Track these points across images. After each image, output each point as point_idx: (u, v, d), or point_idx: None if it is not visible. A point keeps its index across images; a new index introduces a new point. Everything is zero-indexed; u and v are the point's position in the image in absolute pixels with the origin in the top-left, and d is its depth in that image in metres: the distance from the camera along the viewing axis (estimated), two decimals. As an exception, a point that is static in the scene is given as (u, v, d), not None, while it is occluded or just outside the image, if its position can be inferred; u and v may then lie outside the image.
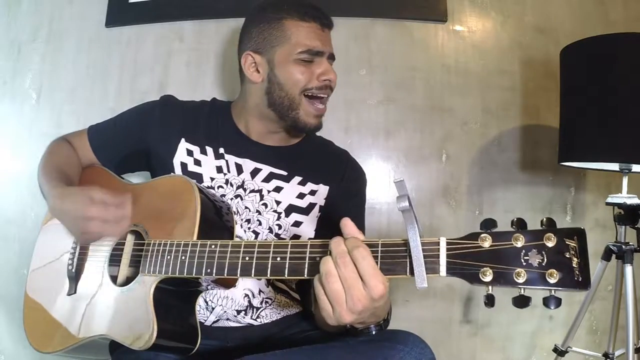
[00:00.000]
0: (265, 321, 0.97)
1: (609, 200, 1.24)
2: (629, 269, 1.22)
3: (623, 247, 1.24)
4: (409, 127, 1.53)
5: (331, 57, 1.00)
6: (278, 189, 0.99)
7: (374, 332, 0.70)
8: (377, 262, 0.60)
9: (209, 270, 0.72)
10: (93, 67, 1.58)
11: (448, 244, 0.58)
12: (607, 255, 1.29)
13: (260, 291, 0.96)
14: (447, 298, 1.53)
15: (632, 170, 1.24)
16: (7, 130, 1.62)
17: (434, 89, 1.54)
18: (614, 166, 1.27)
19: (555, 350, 1.39)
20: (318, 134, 1.11)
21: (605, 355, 1.34)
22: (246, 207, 0.97)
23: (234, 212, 0.93)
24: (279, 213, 0.98)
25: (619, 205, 1.23)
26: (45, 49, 1.61)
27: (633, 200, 1.21)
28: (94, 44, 1.59)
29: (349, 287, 0.59)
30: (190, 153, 1.00)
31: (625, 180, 1.23)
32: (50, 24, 1.61)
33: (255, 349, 0.80)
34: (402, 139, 1.53)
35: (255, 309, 0.96)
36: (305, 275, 0.65)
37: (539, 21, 1.57)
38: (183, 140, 1.01)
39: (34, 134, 1.59)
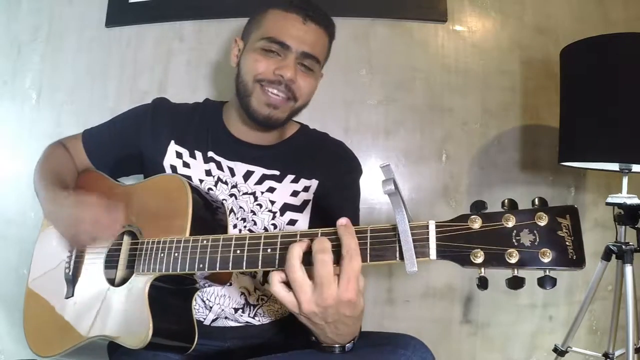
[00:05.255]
0: (264, 321, 0.97)
1: (609, 200, 1.24)
2: (629, 269, 1.22)
3: (623, 247, 1.24)
4: (408, 127, 1.53)
5: (307, 57, 0.92)
6: (271, 190, 0.98)
7: (337, 352, 0.68)
8: (366, 249, 0.60)
9: (201, 265, 0.72)
10: (93, 67, 1.58)
11: (437, 226, 0.58)
12: (607, 255, 1.29)
13: (255, 289, 0.96)
14: (447, 298, 1.53)
15: (632, 170, 1.24)
16: (7, 130, 1.62)
17: (434, 89, 1.54)
18: (614, 166, 1.27)
19: (555, 350, 1.39)
20: (313, 127, 1.11)
21: (605, 355, 1.33)
22: (240, 207, 0.97)
23: (230, 211, 0.92)
24: (274, 212, 0.97)
25: (619, 205, 1.23)
26: (45, 49, 1.61)
27: (633, 200, 1.21)
28: (94, 44, 1.59)
29: (320, 283, 0.59)
30: (179, 155, 1.00)
31: (625, 180, 1.23)
32: (50, 24, 1.61)
33: (254, 351, 0.80)
34: (402, 139, 1.53)
35: (252, 307, 0.96)
36: None
37: (539, 21, 1.57)
38: (173, 142, 1.01)
39: (34, 134, 1.59)
